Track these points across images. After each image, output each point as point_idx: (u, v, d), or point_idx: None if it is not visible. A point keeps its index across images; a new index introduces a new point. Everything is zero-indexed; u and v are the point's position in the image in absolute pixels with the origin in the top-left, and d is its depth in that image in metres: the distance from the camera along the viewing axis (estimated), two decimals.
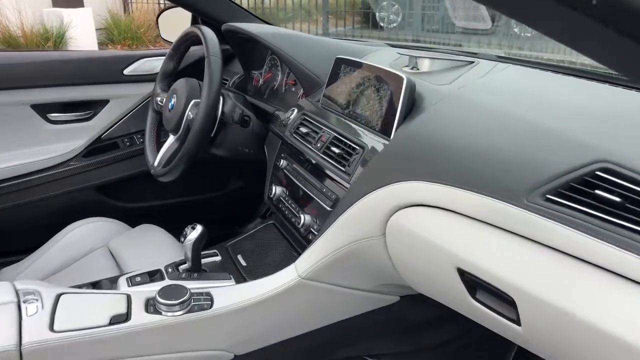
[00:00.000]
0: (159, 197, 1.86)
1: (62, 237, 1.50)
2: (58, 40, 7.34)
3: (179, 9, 1.87)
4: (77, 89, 1.66)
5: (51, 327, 0.88)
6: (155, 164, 1.46)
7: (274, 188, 1.27)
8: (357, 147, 1.05)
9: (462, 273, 0.80)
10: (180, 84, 1.43)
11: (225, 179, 1.98)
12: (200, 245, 1.11)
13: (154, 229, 1.55)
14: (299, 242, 1.19)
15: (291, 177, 1.24)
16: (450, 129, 0.89)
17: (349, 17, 8.62)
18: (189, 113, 1.36)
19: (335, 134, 1.15)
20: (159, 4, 8.65)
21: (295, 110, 1.34)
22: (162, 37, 1.98)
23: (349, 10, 8.95)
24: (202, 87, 1.42)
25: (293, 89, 1.54)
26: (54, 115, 1.67)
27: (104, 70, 1.69)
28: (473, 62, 1.21)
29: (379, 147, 1.01)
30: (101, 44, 8.04)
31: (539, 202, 0.67)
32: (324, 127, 1.20)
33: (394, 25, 8.26)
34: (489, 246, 0.73)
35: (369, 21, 8.31)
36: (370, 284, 1.09)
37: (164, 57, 1.71)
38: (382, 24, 8.54)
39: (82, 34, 7.55)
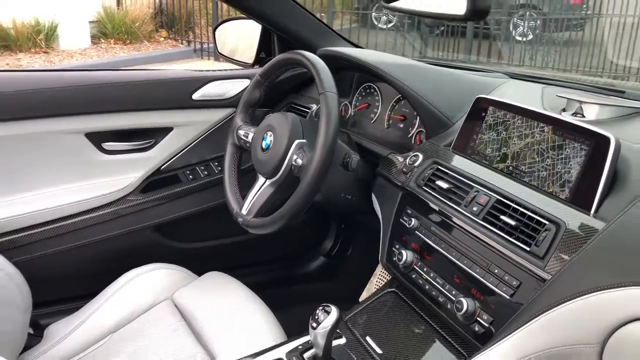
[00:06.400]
0: (220, 235, 1.65)
1: (119, 287, 1.32)
2: (50, 32, 7.03)
3: (243, 22, 1.66)
4: (137, 115, 1.43)
5: None
6: (244, 212, 1.24)
7: (403, 253, 1.06)
8: (546, 222, 0.85)
9: None
10: (278, 120, 1.21)
11: None
12: (334, 332, 0.90)
13: (222, 278, 1.36)
14: (447, 326, 0.98)
15: (430, 242, 1.03)
16: None
17: (344, 16, 8.48)
18: (295, 157, 1.15)
19: (497, 197, 0.94)
20: None
21: (421, 156, 1.13)
22: (218, 51, 1.76)
23: (346, 9, 8.82)
24: (303, 125, 1.20)
25: (400, 126, 1.33)
26: (109, 145, 1.44)
27: (170, 95, 1.46)
28: None
29: (583, 226, 0.81)
30: (94, 37, 7.74)
31: None
32: (474, 185, 0.99)
33: (390, 25, 8.12)
34: None
35: (367, 21, 8.18)
36: None
37: (236, 80, 1.50)
38: (377, 24, 8.41)
39: (75, 27, 7.24)
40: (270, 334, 1.15)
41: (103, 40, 7.84)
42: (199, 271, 1.39)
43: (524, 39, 6.51)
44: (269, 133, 1.22)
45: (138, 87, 1.42)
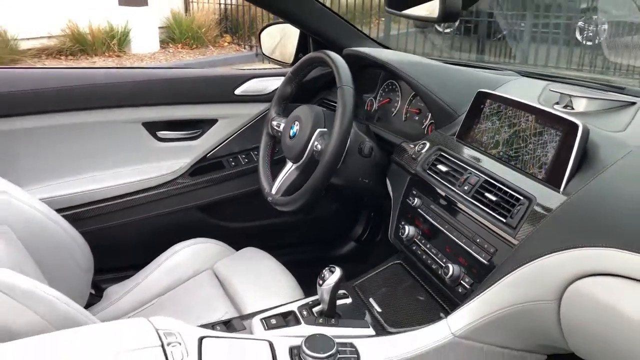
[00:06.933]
0: (259, 217, 1.83)
1: (167, 257, 1.49)
2: (122, 38, 7.49)
3: (284, 26, 1.83)
4: (187, 107, 1.64)
5: None
6: (273, 191, 1.41)
7: (406, 227, 1.20)
8: (521, 197, 0.97)
9: None
10: (304, 111, 1.38)
11: (320, 202, 1.95)
12: (338, 289, 1.06)
13: (259, 253, 1.52)
14: (440, 291, 1.12)
15: (428, 218, 1.16)
16: None
17: (406, 20, 8.49)
18: (316, 143, 1.31)
19: (485, 177, 1.07)
20: (219, 4, 8.74)
21: (428, 144, 1.26)
22: (263, 53, 1.94)
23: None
24: (326, 115, 1.36)
25: (416, 118, 1.46)
26: (162, 133, 1.65)
27: (216, 90, 1.66)
28: (635, 102, 1.11)
29: (551, 201, 0.93)
30: (162, 42, 8.16)
31: None
32: (468, 167, 1.12)
33: (451, 29, 8.12)
34: None
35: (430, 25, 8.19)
36: (522, 344, 1.01)
37: (274, 77, 1.67)
38: (439, 29, 8.42)
39: (145, 33, 7.67)
40: (293, 298, 1.31)
41: (171, 45, 8.25)
42: (237, 247, 1.55)
43: (587, 42, 6.38)
44: (296, 123, 1.38)
45: (188, 83, 1.63)
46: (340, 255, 1.96)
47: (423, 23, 5.95)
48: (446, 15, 0.94)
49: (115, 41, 7.42)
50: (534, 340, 0.99)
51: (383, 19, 8.28)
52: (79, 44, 7.10)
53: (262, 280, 1.39)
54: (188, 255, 1.49)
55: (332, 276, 1.05)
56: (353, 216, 2.01)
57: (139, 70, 1.59)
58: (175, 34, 8.24)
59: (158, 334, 0.89)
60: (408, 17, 1.05)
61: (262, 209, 1.57)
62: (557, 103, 1.17)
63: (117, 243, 1.63)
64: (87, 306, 1.43)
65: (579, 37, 6.58)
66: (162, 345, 0.86)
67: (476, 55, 6.88)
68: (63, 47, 7.05)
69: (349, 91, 1.24)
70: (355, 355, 0.93)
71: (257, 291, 1.34)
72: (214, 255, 1.51)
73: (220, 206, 1.76)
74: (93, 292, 1.51)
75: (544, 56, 6.19)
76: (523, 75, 1.43)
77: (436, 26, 8.53)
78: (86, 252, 1.40)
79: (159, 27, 8.06)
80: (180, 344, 0.89)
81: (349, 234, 2.00)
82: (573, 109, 1.14)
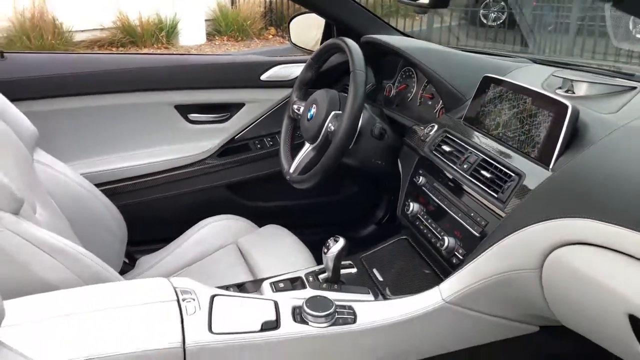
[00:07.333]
0: (282, 198, 1.92)
1: (195, 231, 1.59)
2: (171, 30, 7.72)
3: (312, 15, 1.91)
4: (216, 92, 1.75)
5: (210, 329, 0.92)
6: (291, 170, 1.50)
7: (411, 204, 1.27)
8: (512, 174, 1.03)
9: (635, 321, 0.77)
10: (321, 94, 1.46)
11: (341, 184, 2.02)
12: (341, 257, 1.14)
13: (279, 229, 1.61)
14: (438, 263, 1.18)
15: (431, 195, 1.23)
16: (631, 164, 0.85)
17: (452, 13, 8.44)
18: (330, 125, 1.39)
19: (483, 156, 1.13)
20: None
21: (436, 126, 1.33)
22: (292, 42, 2.03)
23: (453, 7, 8.76)
24: (341, 99, 1.44)
25: (429, 103, 1.53)
26: (193, 116, 1.77)
27: (243, 75, 1.76)
28: (635, 87, 1.14)
29: (538, 177, 0.98)
30: (209, 35, 8.35)
31: None
32: (469, 148, 1.18)
33: (499, 22, 7.99)
34: None
35: (475, 18, 8.10)
36: (512, 313, 1.07)
37: (299, 64, 1.76)
38: (485, 22, 8.29)
39: (192, 25, 7.88)
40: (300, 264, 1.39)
41: (217, 37, 8.42)
42: (261, 225, 1.64)
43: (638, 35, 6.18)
44: (313, 106, 1.47)
45: (217, 68, 1.74)
46: (360, 237, 2.04)
47: (422, 9, 5.96)
48: (436, 1, 1.00)
49: (163, 33, 7.63)
50: (523, 310, 1.05)
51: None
52: (129, 36, 7.34)
53: (280, 253, 1.48)
54: (214, 230, 1.59)
55: (335, 245, 1.13)
56: (374, 199, 2.08)
57: (171, 56, 1.71)
58: (221, 27, 8.40)
59: (175, 291, 0.99)
60: (400, 1, 1.11)
61: (286, 189, 1.66)
62: (560, 88, 1.22)
63: (149, 217, 1.76)
64: (121, 273, 1.56)
65: (631, 28, 6.37)
66: (178, 300, 0.97)
67: (520, 47, 6.77)
68: (114, 38, 7.31)
69: (360, 75, 1.32)
70: (353, 316, 1.01)
71: (274, 262, 1.43)
72: (238, 230, 1.60)
73: (246, 186, 1.87)
74: (127, 261, 1.64)
75: (591, 48, 6.04)
76: (536, 63, 1.47)
77: (481, 18, 8.44)
78: (121, 224, 1.52)
79: (206, 20, 8.24)
80: (194, 299, 1.00)
81: (370, 217, 2.07)
82: (574, 93, 1.18)
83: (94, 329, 0.87)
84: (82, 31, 7.00)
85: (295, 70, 1.78)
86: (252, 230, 1.63)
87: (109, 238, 1.49)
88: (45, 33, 6.49)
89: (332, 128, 1.38)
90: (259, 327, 0.95)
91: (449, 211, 1.15)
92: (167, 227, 1.68)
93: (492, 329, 1.09)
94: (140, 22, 7.40)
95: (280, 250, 1.50)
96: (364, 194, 2.03)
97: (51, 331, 0.85)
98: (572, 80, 1.18)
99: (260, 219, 1.66)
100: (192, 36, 7.95)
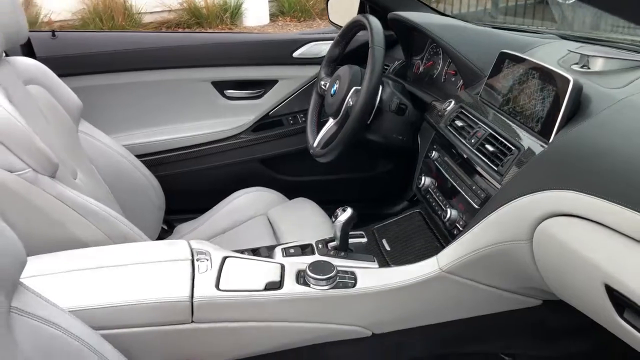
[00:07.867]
0: (313, 173, 1.98)
1: (229, 202, 1.69)
2: (235, 11, 7.87)
3: None
4: (251, 69, 1.83)
5: (217, 286, 1.00)
6: (315, 144, 1.56)
7: (423, 178, 1.30)
8: (513, 148, 1.04)
9: (610, 290, 0.78)
10: (344, 70, 1.50)
11: (375, 161, 2.05)
12: (349, 226, 1.18)
13: (308, 203, 1.67)
14: (443, 234, 1.21)
15: (441, 169, 1.26)
16: (619, 139, 0.84)
17: None
18: (349, 99, 1.43)
19: (490, 131, 1.14)
20: None
21: (453, 102, 1.34)
22: (330, 20, 2.07)
23: None
24: (363, 74, 1.48)
25: (453, 79, 1.53)
26: (230, 92, 1.85)
27: (276, 53, 1.83)
28: None
29: (536, 150, 0.99)
30: (272, 15, 8.45)
31: None
32: (480, 123, 1.19)
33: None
34: None
35: None
36: (511, 285, 1.08)
37: (330, 42, 1.80)
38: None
39: (256, 6, 8.00)
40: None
41: (280, 18, 8.50)
42: (291, 198, 1.72)
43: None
44: (337, 81, 1.51)
45: (252, 46, 1.81)
46: (393, 213, 2.07)
47: None
48: None
49: (228, 14, 7.80)
50: (522, 282, 1.07)
51: None
52: (195, 17, 7.56)
53: (305, 224, 1.55)
54: (247, 202, 1.68)
55: (343, 214, 1.18)
56: (407, 176, 2.10)
57: (209, 34, 1.80)
58: (285, 7, 8.48)
59: (192, 251, 1.08)
60: None
61: (317, 164, 1.73)
62: (576, 63, 1.20)
63: (187, 187, 1.87)
64: (159, 239, 1.67)
65: None
66: (192, 260, 1.06)
67: (551, 23, 6.40)
68: (181, 20, 7.55)
69: (379, 51, 1.35)
70: (353, 281, 1.06)
71: (296, 232, 1.50)
72: (269, 202, 1.69)
73: (279, 160, 1.94)
74: (165, 227, 1.76)
75: (616, 22, 5.64)
76: (563, 39, 1.44)
77: None
78: (160, 193, 1.64)
79: (269, 1, 8.34)
80: (207, 260, 1.08)
81: (402, 195, 2.10)
82: (589, 68, 1.16)
83: (114, 280, 0.97)
84: (151, 13, 7.27)
85: (326, 48, 1.82)
86: (282, 202, 1.70)
87: (148, 206, 1.60)
88: (116, 15, 6.81)
89: (351, 103, 1.42)
90: (262, 287, 1.02)
91: (455, 185, 1.18)
92: (203, 197, 1.78)
93: (493, 300, 1.11)
94: (206, 4, 7.59)
95: (305, 222, 1.56)
96: (397, 171, 2.06)
97: (75, 282, 0.96)
98: (588, 56, 1.17)
99: (291, 192, 1.73)
100: (255, 17, 8.05)
